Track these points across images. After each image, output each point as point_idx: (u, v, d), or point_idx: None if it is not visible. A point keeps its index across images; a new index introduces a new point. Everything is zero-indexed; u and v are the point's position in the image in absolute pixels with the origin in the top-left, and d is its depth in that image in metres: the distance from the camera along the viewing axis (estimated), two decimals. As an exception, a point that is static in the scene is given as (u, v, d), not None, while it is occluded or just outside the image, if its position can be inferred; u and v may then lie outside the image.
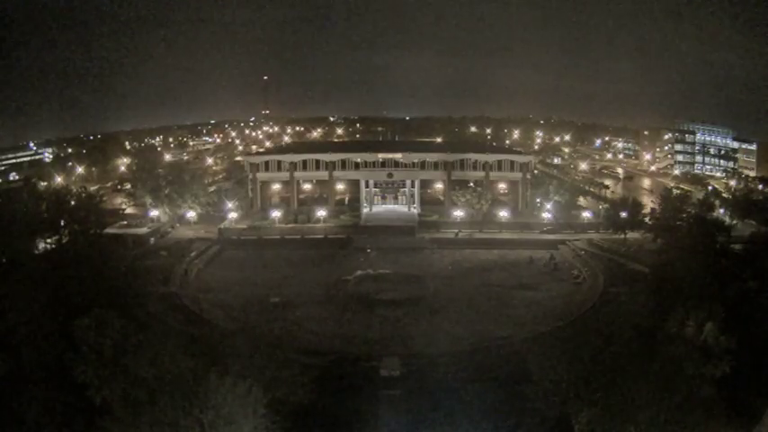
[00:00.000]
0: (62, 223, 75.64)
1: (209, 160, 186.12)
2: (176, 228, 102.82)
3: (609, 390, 32.42)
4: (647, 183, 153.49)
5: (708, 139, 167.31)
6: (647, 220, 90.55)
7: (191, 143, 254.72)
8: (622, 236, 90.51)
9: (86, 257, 56.43)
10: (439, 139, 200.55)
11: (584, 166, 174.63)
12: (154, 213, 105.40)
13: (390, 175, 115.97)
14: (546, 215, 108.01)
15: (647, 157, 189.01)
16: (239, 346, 37.31)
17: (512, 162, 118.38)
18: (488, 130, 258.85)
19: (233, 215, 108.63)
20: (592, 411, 33.14)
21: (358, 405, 42.83)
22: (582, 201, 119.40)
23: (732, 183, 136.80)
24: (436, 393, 44.32)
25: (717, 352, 35.20)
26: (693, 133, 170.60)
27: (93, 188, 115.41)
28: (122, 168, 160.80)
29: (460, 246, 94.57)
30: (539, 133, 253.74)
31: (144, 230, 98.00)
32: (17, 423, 33.80)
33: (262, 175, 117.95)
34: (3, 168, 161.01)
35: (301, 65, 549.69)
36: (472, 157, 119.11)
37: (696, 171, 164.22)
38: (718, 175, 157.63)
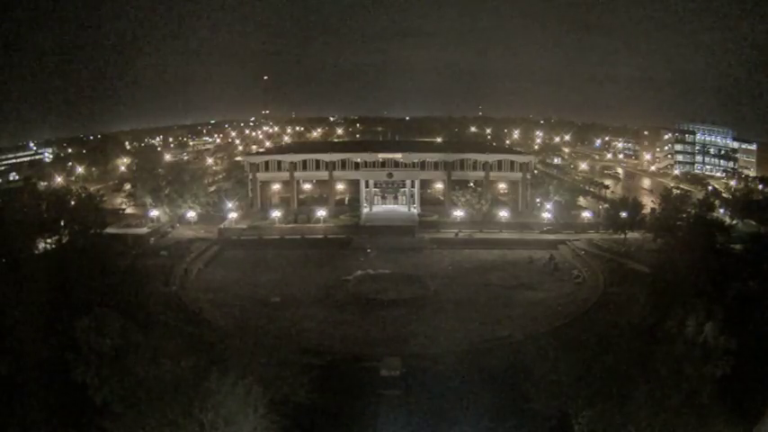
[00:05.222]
0: (62, 223, 75.52)
1: (210, 160, 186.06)
2: (176, 228, 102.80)
3: (609, 390, 32.40)
4: (647, 183, 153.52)
5: (708, 139, 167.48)
6: (646, 220, 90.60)
7: (191, 143, 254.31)
8: (622, 236, 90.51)
9: (86, 258, 56.32)
10: (439, 139, 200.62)
11: (584, 166, 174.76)
12: (154, 213, 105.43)
13: (390, 176, 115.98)
14: (546, 215, 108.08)
15: (647, 157, 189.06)
16: (239, 346, 37.23)
17: (512, 162, 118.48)
18: (488, 130, 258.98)
19: (233, 215, 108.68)
20: (592, 411, 33.13)
21: (358, 405, 42.85)
22: (582, 201, 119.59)
23: (732, 183, 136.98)
24: (436, 393, 44.35)
25: (717, 352, 35.15)
26: (693, 133, 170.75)
27: (93, 188, 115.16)
28: (122, 168, 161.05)
29: (460, 246, 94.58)
30: (539, 133, 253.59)
31: (144, 230, 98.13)
32: (17, 423, 33.76)
33: (262, 175, 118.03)
34: (3, 168, 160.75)
35: (301, 65, 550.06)
36: (472, 157, 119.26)
37: (696, 171, 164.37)
38: (718, 175, 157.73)
